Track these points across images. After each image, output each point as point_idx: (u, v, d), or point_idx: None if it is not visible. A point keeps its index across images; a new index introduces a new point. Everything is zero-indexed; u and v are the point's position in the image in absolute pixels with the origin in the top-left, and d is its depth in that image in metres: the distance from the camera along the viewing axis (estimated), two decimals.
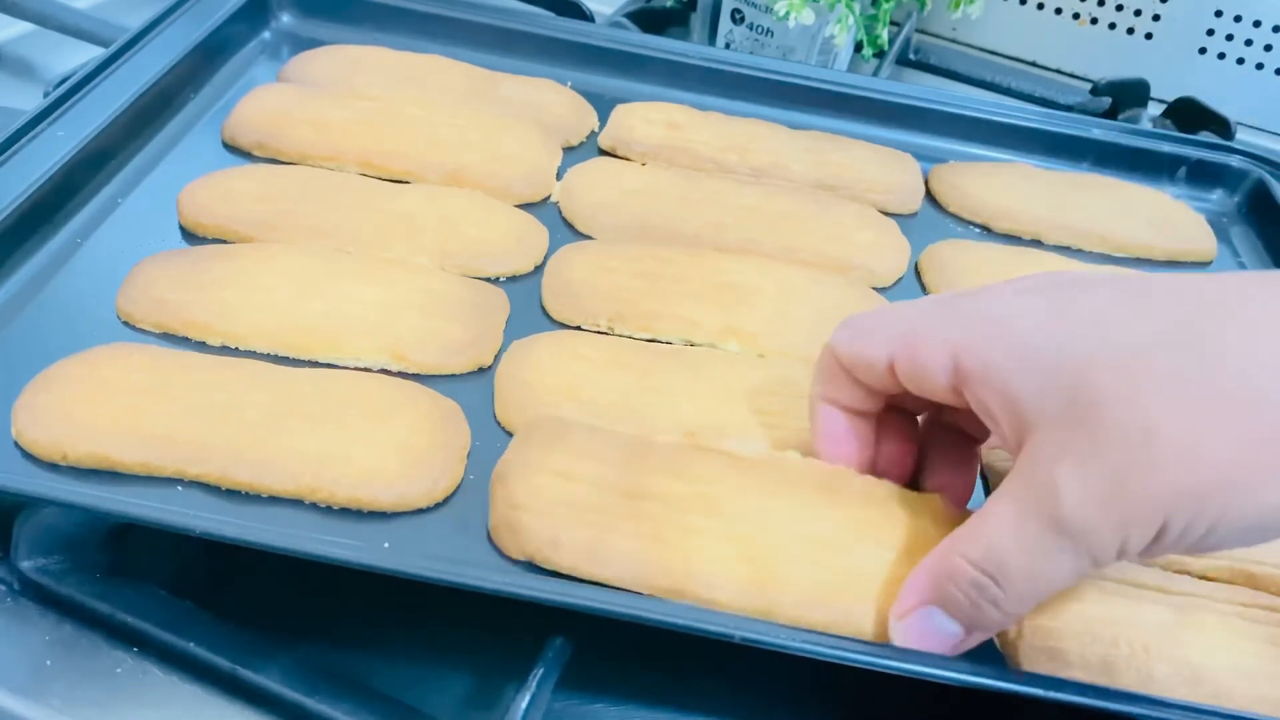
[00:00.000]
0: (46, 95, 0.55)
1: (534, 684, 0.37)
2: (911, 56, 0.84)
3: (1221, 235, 0.65)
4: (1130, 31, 0.84)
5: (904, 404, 0.40)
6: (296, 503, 0.41)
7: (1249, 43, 0.81)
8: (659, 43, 0.70)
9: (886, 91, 0.68)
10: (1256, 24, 0.80)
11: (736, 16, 0.79)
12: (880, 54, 0.80)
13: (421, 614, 0.42)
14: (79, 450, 0.40)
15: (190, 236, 0.53)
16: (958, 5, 0.82)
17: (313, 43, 0.67)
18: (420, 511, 0.41)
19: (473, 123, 0.61)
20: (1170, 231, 0.63)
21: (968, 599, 0.34)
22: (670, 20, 0.86)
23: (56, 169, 0.51)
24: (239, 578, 0.43)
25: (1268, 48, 0.81)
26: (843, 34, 0.74)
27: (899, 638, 0.36)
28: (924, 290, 0.58)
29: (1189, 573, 0.42)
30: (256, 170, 0.57)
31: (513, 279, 0.53)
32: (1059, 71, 0.88)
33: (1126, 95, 0.79)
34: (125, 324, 0.47)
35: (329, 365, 0.46)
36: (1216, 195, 0.69)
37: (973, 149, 0.69)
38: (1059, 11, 0.85)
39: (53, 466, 0.40)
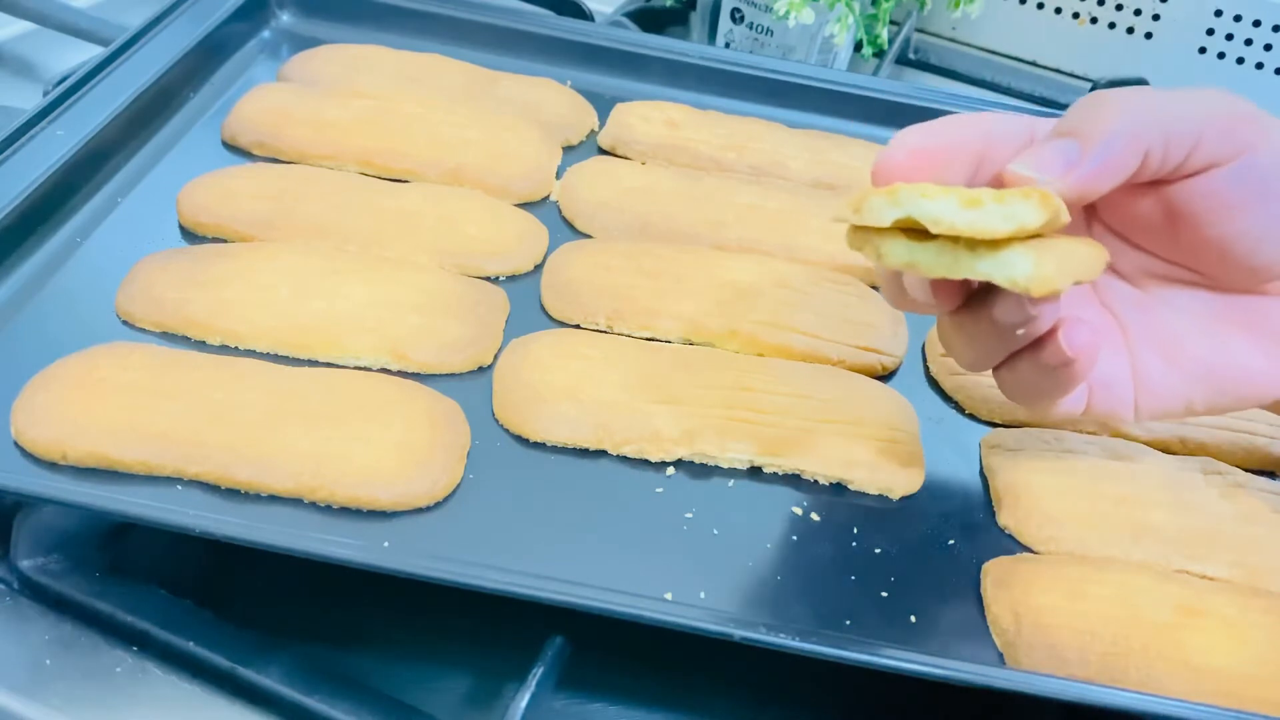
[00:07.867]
0: (46, 94, 0.55)
1: (533, 683, 0.37)
2: (911, 56, 0.84)
3: None
4: (1130, 31, 0.84)
5: None
6: (296, 502, 0.41)
7: (1249, 42, 0.81)
8: (659, 42, 0.70)
9: (886, 91, 0.68)
10: (1256, 24, 0.80)
11: (736, 16, 0.79)
12: (880, 53, 0.80)
13: (421, 613, 0.42)
14: (78, 449, 0.40)
15: (190, 235, 0.53)
16: (957, 4, 0.82)
17: (312, 42, 0.67)
18: (420, 511, 0.41)
19: (472, 121, 0.60)
20: None
21: None
22: (670, 20, 0.86)
23: (56, 168, 0.51)
24: (238, 577, 0.43)
25: (1268, 47, 0.81)
26: (842, 33, 0.74)
27: None
28: None
29: (1189, 573, 0.43)
30: (256, 169, 0.57)
31: (512, 278, 0.53)
32: (1058, 71, 0.88)
33: None
34: (125, 323, 0.47)
35: (329, 364, 0.46)
36: None
37: None
38: (1059, 11, 0.85)
39: (52, 465, 0.40)
